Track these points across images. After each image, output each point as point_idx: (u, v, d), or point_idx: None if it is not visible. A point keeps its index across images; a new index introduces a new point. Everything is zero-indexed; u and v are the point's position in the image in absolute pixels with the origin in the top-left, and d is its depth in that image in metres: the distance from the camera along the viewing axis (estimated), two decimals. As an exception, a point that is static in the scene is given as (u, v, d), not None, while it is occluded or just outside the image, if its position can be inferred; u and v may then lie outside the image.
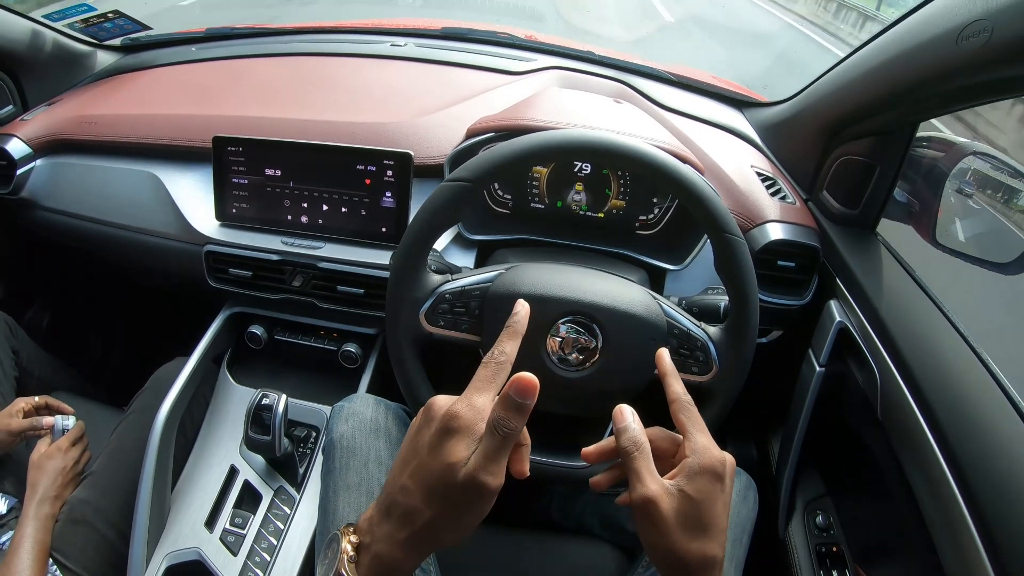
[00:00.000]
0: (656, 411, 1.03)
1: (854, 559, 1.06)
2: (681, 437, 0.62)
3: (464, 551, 1.03)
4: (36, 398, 1.17)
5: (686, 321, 0.85)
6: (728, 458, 0.58)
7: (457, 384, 1.01)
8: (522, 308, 0.62)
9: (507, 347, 0.56)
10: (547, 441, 0.90)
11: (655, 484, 0.56)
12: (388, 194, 1.09)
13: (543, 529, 1.08)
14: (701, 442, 0.58)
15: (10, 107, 1.45)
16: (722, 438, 1.39)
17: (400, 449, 0.55)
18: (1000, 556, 0.69)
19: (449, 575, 0.95)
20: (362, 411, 0.94)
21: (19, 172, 1.31)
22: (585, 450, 0.67)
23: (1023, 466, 0.73)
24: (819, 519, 1.12)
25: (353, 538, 0.53)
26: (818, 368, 1.07)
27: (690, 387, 0.85)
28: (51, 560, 0.99)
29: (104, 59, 1.60)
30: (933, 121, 1.22)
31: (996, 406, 0.81)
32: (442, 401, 0.53)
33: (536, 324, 0.82)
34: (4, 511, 1.09)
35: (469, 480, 0.50)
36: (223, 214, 1.17)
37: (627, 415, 0.61)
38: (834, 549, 1.09)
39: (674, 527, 0.55)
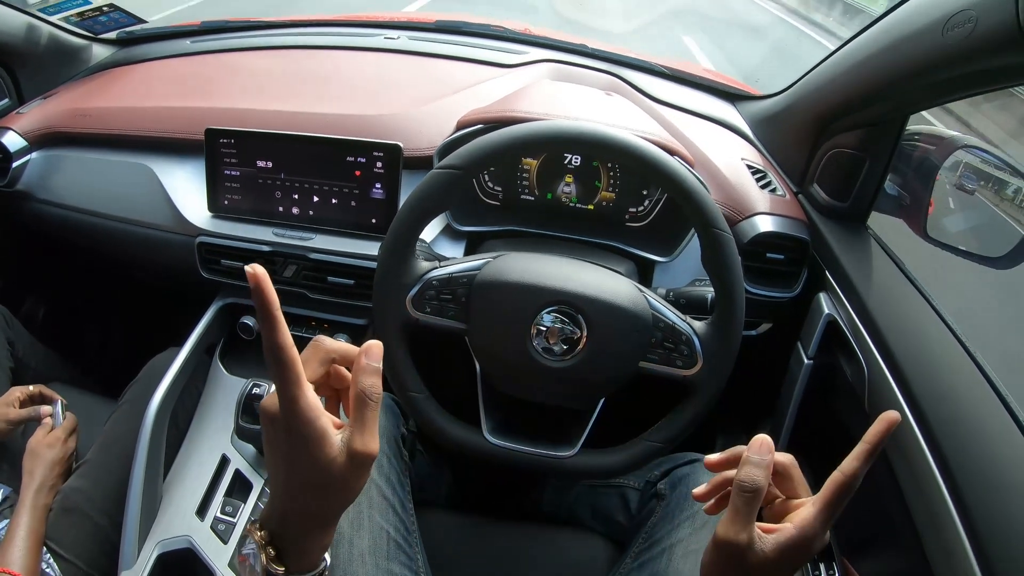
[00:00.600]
0: (636, 405, 1.04)
1: (841, 552, 1.06)
2: (802, 488, 0.61)
3: (453, 544, 1.03)
4: (31, 387, 1.17)
5: (671, 315, 0.85)
6: (818, 550, 0.56)
7: (445, 373, 1.03)
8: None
9: (271, 335, 0.48)
10: (533, 431, 0.90)
11: (746, 533, 0.55)
12: (378, 185, 1.09)
13: (534, 520, 1.08)
14: (816, 525, 0.55)
15: (6, 100, 1.45)
16: (711, 431, 1.40)
17: (267, 459, 0.52)
18: (984, 549, 0.70)
19: (439, 570, 0.95)
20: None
21: (15, 165, 1.31)
22: (708, 459, 0.64)
23: (1009, 460, 0.74)
24: (807, 512, 1.12)
25: (264, 533, 0.52)
26: (806, 361, 1.07)
27: (674, 381, 0.85)
28: (45, 549, 0.99)
29: (99, 52, 1.60)
30: (924, 115, 1.22)
31: (983, 400, 0.81)
32: (272, 408, 0.49)
33: (521, 313, 0.83)
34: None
35: (354, 462, 0.50)
36: (215, 206, 1.17)
37: (763, 448, 0.57)
38: (821, 542, 1.09)
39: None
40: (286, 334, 0.48)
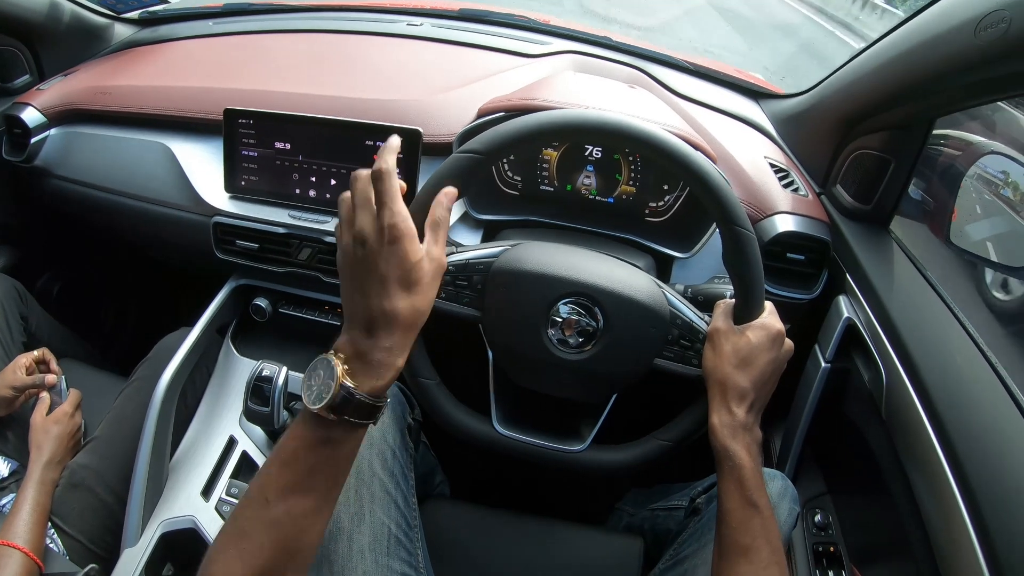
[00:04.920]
0: (648, 402, 1.03)
1: (851, 559, 1.05)
2: None
3: (457, 537, 1.02)
4: (36, 352, 1.17)
5: (689, 312, 0.84)
6: (782, 331, 0.78)
7: (457, 361, 1.02)
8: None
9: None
10: (543, 424, 0.89)
11: (725, 324, 0.79)
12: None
13: (546, 516, 1.07)
14: (767, 316, 0.79)
15: (26, 76, 1.46)
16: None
17: (352, 281, 0.63)
18: (998, 562, 0.69)
19: (440, 564, 0.93)
20: None
21: (33, 140, 1.32)
22: None
23: None
24: (817, 517, 1.11)
25: (340, 355, 0.61)
26: (823, 364, 1.06)
27: (689, 379, 0.84)
28: (50, 524, 1.00)
29: (121, 31, 1.60)
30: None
31: (1002, 410, 0.80)
32: (364, 228, 0.62)
33: (538, 303, 0.82)
34: (6, 474, 1.09)
35: (432, 266, 0.65)
36: (232, 186, 1.17)
37: None
38: (831, 549, 1.08)
39: (727, 356, 0.77)
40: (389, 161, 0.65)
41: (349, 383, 0.59)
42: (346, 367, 0.60)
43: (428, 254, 0.64)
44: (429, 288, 0.64)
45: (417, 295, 0.63)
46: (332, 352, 0.61)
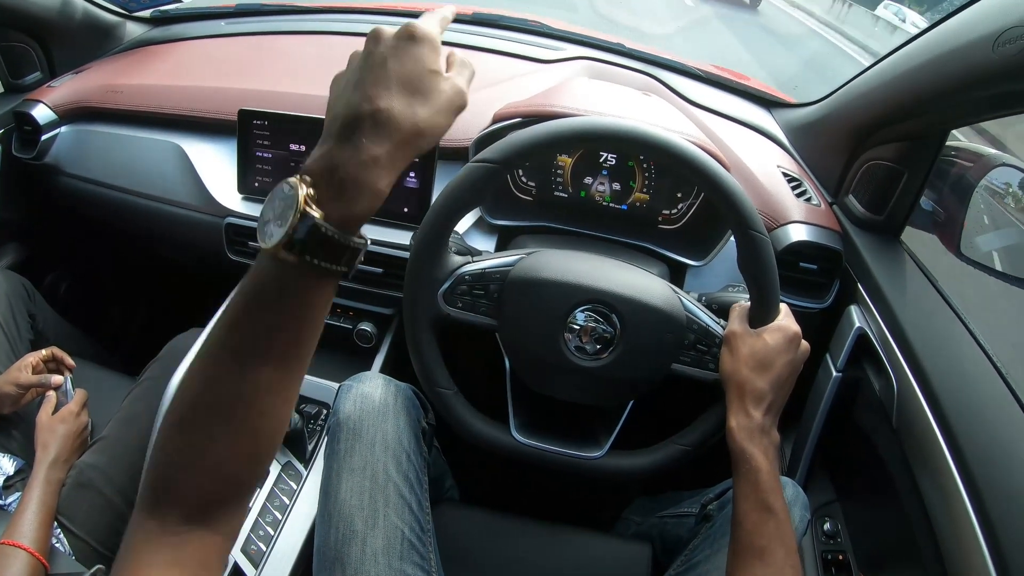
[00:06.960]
0: (665, 407, 1.03)
1: (860, 568, 1.05)
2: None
3: (469, 542, 1.02)
4: (43, 351, 1.16)
5: (705, 317, 0.84)
6: (798, 333, 0.80)
7: (473, 369, 1.02)
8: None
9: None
10: (561, 431, 0.90)
11: (741, 327, 0.81)
12: (411, 175, 1.09)
13: (558, 522, 1.07)
14: (783, 319, 0.80)
15: (37, 74, 1.45)
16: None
17: (345, 76, 0.50)
18: (1008, 572, 0.69)
19: (452, 570, 0.93)
20: (370, 392, 0.92)
21: (44, 138, 1.32)
22: None
23: None
24: (827, 526, 1.11)
25: (307, 178, 0.45)
26: (835, 373, 1.06)
27: (705, 384, 0.85)
28: (56, 524, 0.99)
29: (133, 30, 1.60)
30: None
31: (1012, 419, 0.80)
32: (387, 28, 0.50)
33: (555, 311, 0.82)
34: (11, 472, 1.08)
35: (451, 94, 0.51)
36: (245, 187, 1.17)
37: None
38: (840, 557, 1.08)
39: (744, 359, 0.78)
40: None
41: (312, 210, 0.44)
42: (310, 191, 0.44)
43: (449, 79, 0.51)
44: (440, 109, 0.50)
45: (421, 105, 0.48)
46: (298, 176, 0.46)
